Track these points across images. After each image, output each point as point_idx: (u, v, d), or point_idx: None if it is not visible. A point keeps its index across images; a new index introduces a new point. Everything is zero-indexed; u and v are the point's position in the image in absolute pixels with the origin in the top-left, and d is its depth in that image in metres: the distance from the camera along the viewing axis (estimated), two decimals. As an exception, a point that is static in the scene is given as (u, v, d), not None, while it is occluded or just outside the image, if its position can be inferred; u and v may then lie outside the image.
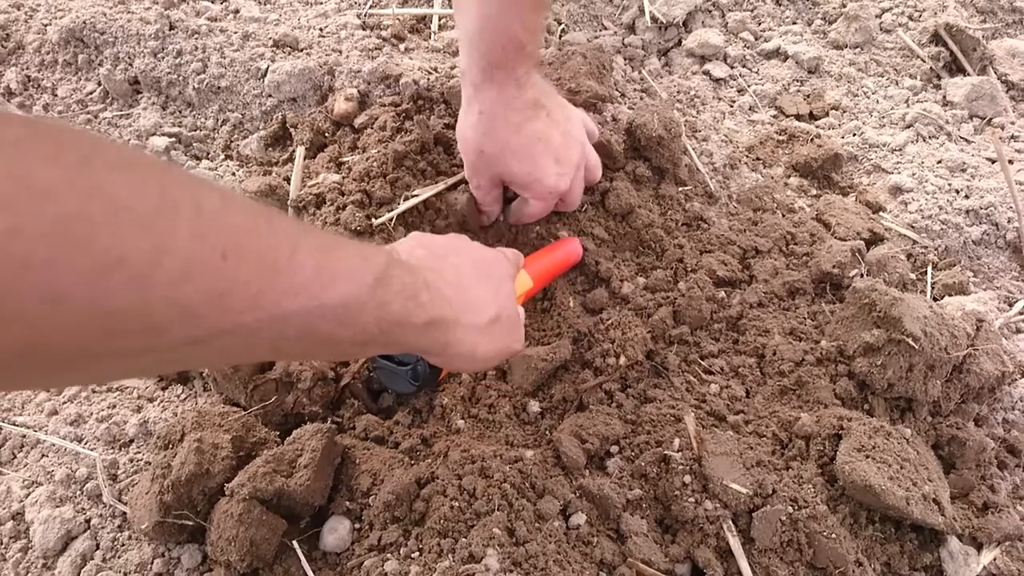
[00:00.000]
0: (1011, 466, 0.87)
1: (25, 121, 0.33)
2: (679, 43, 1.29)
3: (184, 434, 0.77)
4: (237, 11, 1.25)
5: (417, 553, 0.72)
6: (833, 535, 0.73)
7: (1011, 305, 1.01)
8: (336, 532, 0.75)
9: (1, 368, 0.34)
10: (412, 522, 0.75)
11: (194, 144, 1.14)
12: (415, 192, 0.97)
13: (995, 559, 0.78)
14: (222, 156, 1.13)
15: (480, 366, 0.74)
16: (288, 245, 0.45)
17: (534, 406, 0.89)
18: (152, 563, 0.76)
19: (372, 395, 0.88)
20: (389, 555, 0.72)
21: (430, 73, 1.11)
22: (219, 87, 1.13)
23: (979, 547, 0.79)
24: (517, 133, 0.87)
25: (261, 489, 0.72)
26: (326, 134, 1.08)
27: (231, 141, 1.14)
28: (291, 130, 1.11)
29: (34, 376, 0.40)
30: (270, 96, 1.12)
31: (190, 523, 0.74)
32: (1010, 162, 1.12)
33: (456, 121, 1.05)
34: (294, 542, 0.74)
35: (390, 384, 0.82)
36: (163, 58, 1.15)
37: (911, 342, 0.79)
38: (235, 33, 1.17)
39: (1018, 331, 0.98)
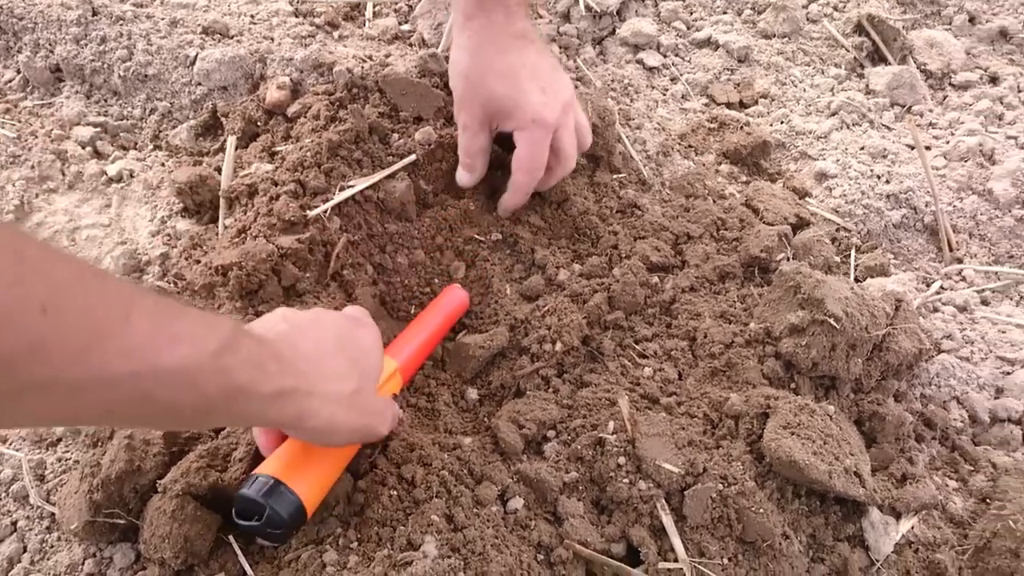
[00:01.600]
0: (928, 439, 0.91)
1: None
2: (613, 32, 1.31)
3: (113, 431, 0.76)
4: (163, -3, 1.22)
5: (356, 543, 0.72)
6: (761, 510, 0.76)
7: (928, 285, 1.06)
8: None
9: None
10: (351, 513, 0.75)
11: (121, 134, 1.11)
12: (351, 182, 0.96)
13: (913, 527, 0.82)
14: (151, 146, 1.10)
15: (343, 440, 0.71)
16: (122, 305, 0.44)
17: (472, 393, 0.90)
18: (83, 564, 0.74)
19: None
20: (328, 546, 0.72)
21: (364, 61, 1.11)
22: (146, 75, 1.10)
23: (898, 516, 0.83)
24: (503, 55, 0.87)
25: (195, 484, 0.71)
26: (258, 123, 1.06)
27: (160, 131, 1.11)
28: (222, 119, 1.09)
29: None
30: (200, 84, 1.10)
31: (122, 522, 0.73)
32: (927, 148, 1.17)
33: (392, 110, 1.05)
34: (230, 537, 0.73)
35: (267, 541, 0.73)
36: (86, 45, 1.12)
37: (833, 323, 0.82)
38: (162, 19, 1.14)
39: (935, 310, 1.03)
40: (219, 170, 1.01)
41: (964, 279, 1.07)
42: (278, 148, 1.02)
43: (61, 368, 0.40)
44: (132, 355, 0.44)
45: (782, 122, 1.21)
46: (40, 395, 0.41)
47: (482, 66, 0.89)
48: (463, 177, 1.00)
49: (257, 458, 0.74)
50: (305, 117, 1.03)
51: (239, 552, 0.73)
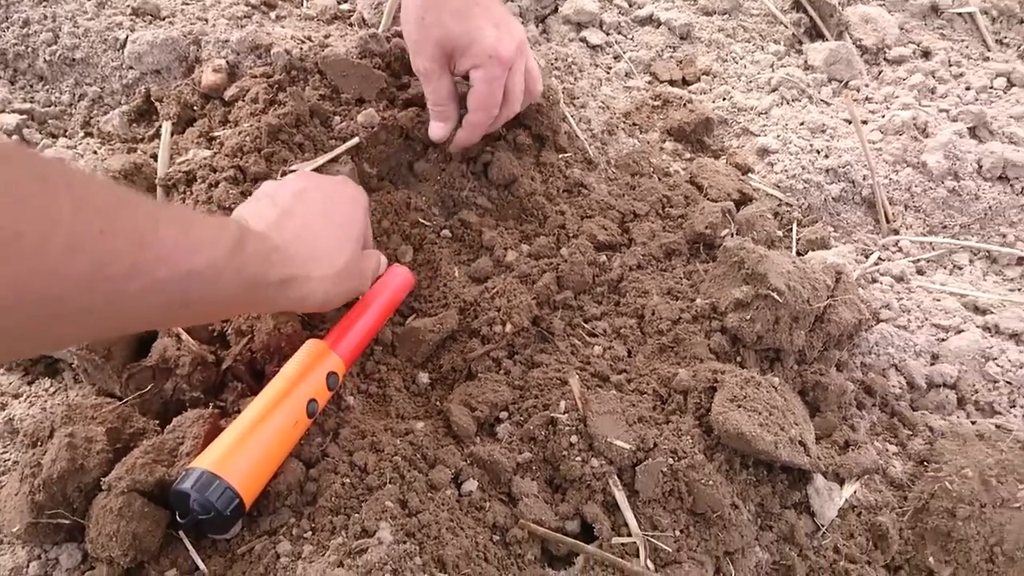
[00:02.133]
0: (868, 405, 0.94)
1: None
2: (556, 10, 1.30)
3: (54, 430, 0.73)
4: (89, -24, 1.17)
5: (310, 532, 0.71)
6: (711, 482, 0.77)
7: (867, 257, 1.09)
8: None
9: None
10: (304, 503, 0.74)
11: (49, 121, 1.07)
12: (293, 167, 0.94)
13: (855, 492, 0.85)
14: (81, 134, 1.06)
15: (335, 306, 0.79)
16: (150, 220, 0.50)
17: (424, 378, 0.90)
18: (28, 566, 0.72)
19: (255, 376, 0.86)
20: (281, 536, 0.71)
21: (303, 43, 1.08)
22: (73, 59, 1.06)
23: (841, 482, 0.86)
24: None
25: (140, 481, 0.69)
26: (194, 107, 1.03)
27: (90, 117, 1.07)
28: (156, 104, 1.05)
29: None
30: (131, 68, 1.06)
31: (67, 522, 0.71)
32: (864, 122, 1.20)
33: (333, 92, 1.03)
34: (180, 532, 0.72)
35: (212, 534, 0.72)
36: (8, 28, 1.07)
37: (776, 296, 0.84)
38: (88, 0, 1.10)
39: (873, 281, 1.06)
40: (155, 157, 0.98)
41: (901, 250, 1.11)
42: (216, 133, 1.00)
43: (124, 281, 0.47)
44: (167, 262, 0.50)
45: (724, 99, 1.22)
46: (114, 308, 0.48)
47: (435, 5, 0.89)
48: (437, 129, 0.98)
49: (206, 452, 0.73)
50: (243, 100, 1.00)
51: (190, 547, 0.71)
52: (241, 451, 0.70)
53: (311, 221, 0.74)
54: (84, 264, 0.44)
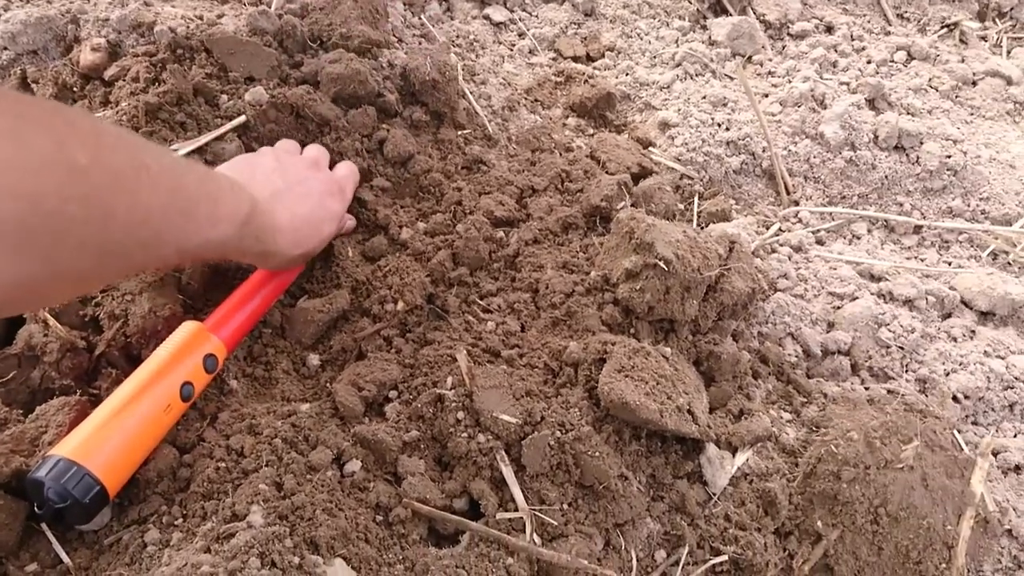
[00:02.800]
0: (764, 375, 0.94)
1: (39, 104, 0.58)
2: (459, -13, 1.28)
3: (-96, 422, 0.70)
4: (-37, -46, 1.12)
5: (180, 519, 0.69)
6: (597, 453, 0.77)
7: (768, 228, 1.10)
8: (92, 515, 0.70)
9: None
10: (176, 489, 0.72)
11: (-81, 105, 1.02)
12: (174, 147, 0.91)
13: (748, 460, 0.85)
14: (-47, 117, 1.01)
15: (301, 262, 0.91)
16: (201, 188, 0.61)
17: (314, 359, 0.87)
18: None
19: (132, 362, 0.83)
20: (151, 525, 0.69)
21: (192, 21, 1.04)
22: (-58, 40, 1.01)
23: (734, 451, 0.86)
24: None
25: (-6, 472, 0.66)
26: (73, 88, 0.99)
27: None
28: (32, 85, 1.01)
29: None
30: (6, 48, 1.01)
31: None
32: (765, 95, 1.20)
33: (220, 70, 1.00)
34: (43, 524, 0.69)
35: (76, 524, 0.68)
36: None
37: (663, 265, 0.84)
38: (-39, -21, 1.05)
39: (773, 251, 1.06)
40: (29, 140, 0.94)
41: (800, 221, 1.12)
42: (96, 114, 0.96)
43: (161, 235, 0.56)
44: (197, 234, 0.60)
45: (627, 74, 1.22)
46: (174, 259, 0.62)
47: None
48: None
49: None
50: (123, 80, 0.97)
51: (53, 539, 0.68)
52: (105, 437, 0.67)
53: (301, 208, 0.83)
54: (161, 226, 0.55)
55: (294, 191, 0.83)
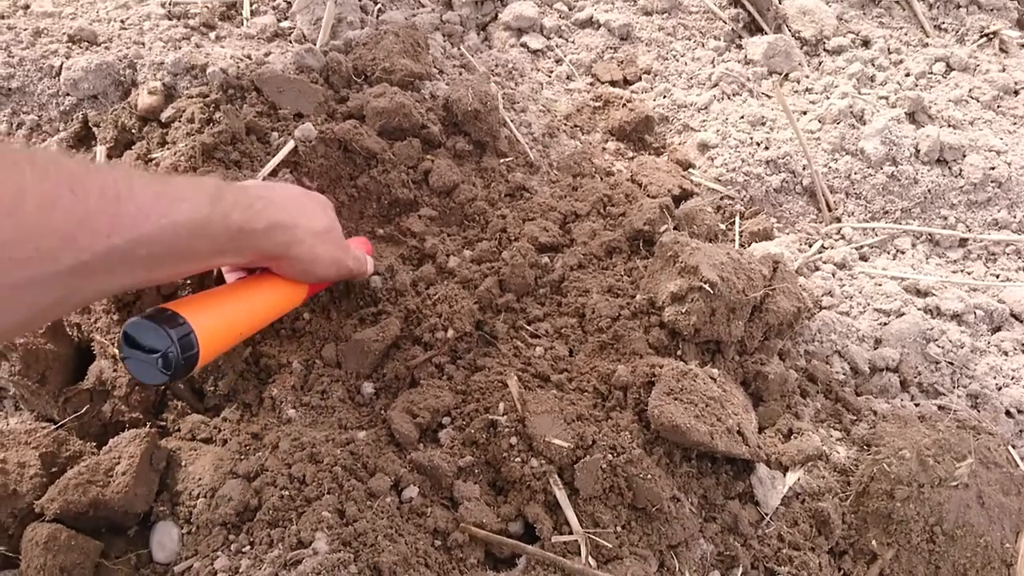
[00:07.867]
0: (812, 393, 0.94)
1: None
2: (496, 17, 1.31)
3: (-13, 460, 0.73)
4: (27, 6, 1.17)
5: (248, 547, 0.72)
6: (649, 476, 0.78)
7: (810, 246, 1.10)
8: (164, 547, 0.73)
9: None
10: (243, 518, 0.74)
11: (-12, 151, 1.07)
12: (230, 184, 0.95)
13: (799, 479, 0.85)
14: (20, 162, 1.06)
15: (321, 271, 0.80)
16: (124, 180, 0.53)
17: (368, 388, 0.90)
18: (-35, 596, 0.72)
19: (196, 394, 0.86)
20: (219, 552, 0.71)
21: (241, 61, 1.09)
22: (9, 88, 1.06)
23: (785, 470, 0.86)
24: None
25: (73, 502, 0.69)
26: (132, 131, 1.03)
27: (30, 145, 1.07)
28: (94, 129, 1.05)
29: None
30: (68, 95, 1.06)
31: (2, 548, 0.70)
32: (804, 113, 1.21)
33: (270, 108, 1.04)
34: (120, 559, 0.72)
35: (139, 375, 0.65)
36: (-57, 61, 1.07)
37: (708, 288, 0.85)
38: (24, 30, 1.10)
39: (816, 269, 1.07)
40: (93, 181, 0.98)
41: (843, 237, 1.12)
42: (153, 155, 1.00)
43: (108, 235, 0.50)
44: (149, 215, 0.54)
45: (664, 96, 1.23)
46: (103, 263, 0.51)
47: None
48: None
49: (140, 473, 0.73)
50: (179, 121, 1.01)
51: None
52: (214, 304, 0.70)
53: (290, 191, 0.79)
54: (60, 220, 0.47)
55: (272, 186, 0.82)
